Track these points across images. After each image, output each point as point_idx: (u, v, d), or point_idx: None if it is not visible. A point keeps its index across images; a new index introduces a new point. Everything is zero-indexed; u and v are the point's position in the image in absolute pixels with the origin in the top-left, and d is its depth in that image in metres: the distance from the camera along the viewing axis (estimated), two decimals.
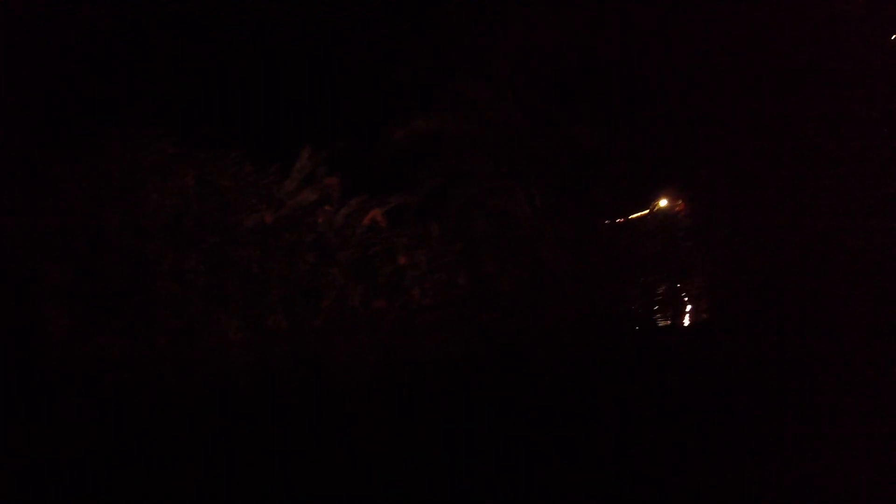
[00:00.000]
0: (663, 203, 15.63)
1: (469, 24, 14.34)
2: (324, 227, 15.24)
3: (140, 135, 11.18)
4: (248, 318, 13.13)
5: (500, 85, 15.03)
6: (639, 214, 15.88)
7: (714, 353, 6.28)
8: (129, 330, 10.28)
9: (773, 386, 4.91)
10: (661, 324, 12.02)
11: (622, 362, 6.82)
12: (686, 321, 9.90)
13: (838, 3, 13.15)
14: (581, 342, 8.62)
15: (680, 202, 15.38)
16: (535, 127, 15.44)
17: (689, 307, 12.99)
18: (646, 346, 7.52)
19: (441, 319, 14.71)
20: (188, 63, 13.72)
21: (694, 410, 4.60)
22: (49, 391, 8.34)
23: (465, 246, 15.97)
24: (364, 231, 15.58)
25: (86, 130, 10.46)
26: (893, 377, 4.54)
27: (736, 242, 13.20)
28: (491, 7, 14.28)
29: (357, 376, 9.62)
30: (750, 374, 5.24)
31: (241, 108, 14.78)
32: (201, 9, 14.36)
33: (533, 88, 14.93)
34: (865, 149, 12.26)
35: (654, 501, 3.50)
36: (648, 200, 15.75)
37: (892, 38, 12.34)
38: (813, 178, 12.43)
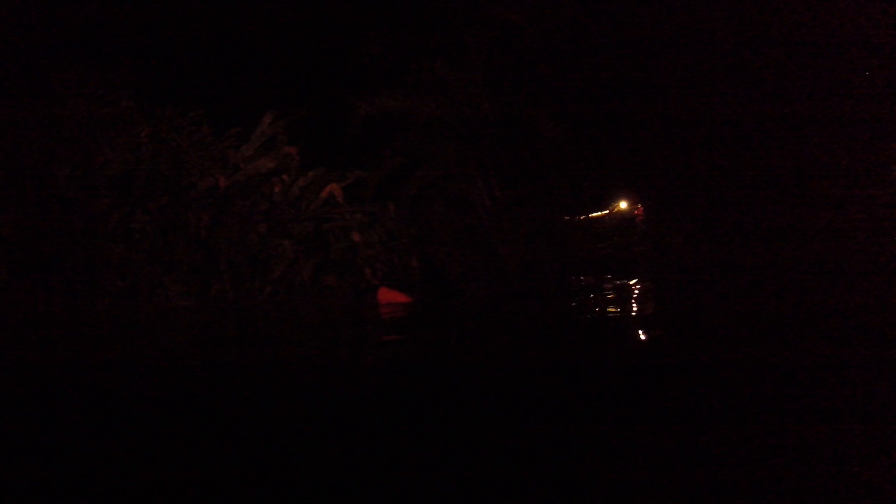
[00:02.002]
0: (623, 205, 15.76)
1: (446, 5, 14.11)
2: (279, 196, 14.82)
3: (97, 85, 10.59)
4: (194, 285, 12.70)
5: (472, 69, 14.87)
6: (597, 214, 15.99)
7: (657, 356, 6.29)
8: (70, 287, 9.77)
9: (713, 390, 4.89)
10: (607, 323, 12.08)
11: (559, 359, 6.75)
12: (633, 323, 9.92)
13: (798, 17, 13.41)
14: (522, 334, 8.57)
15: (639, 206, 15.54)
16: (502, 115, 15.35)
17: (635, 309, 13.14)
18: (588, 345, 7.48)
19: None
20: (156, 17, 13.09)
21: (636, 417, 4.53)
22: None
23: (421, 229, 15.82)
24: (320, 205, 15.21)
25: (43, 74, 9.85)
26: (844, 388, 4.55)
27: (690, 250, 13.43)
28: None
29: (303, 352, 9.39)
30: (690, 380, 5.22)
31: (204, 67, 14.21)
32: None
33: (503, 76, 14.83)
34: (825, 158, 12.61)
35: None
36: (608, 201, 15.87)
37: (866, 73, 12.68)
38: (774, 192, 12.73)
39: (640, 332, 7.90)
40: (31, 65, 10.08)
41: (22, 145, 9.60)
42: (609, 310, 8.88)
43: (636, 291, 11.01)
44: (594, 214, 16.03)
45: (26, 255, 9.51)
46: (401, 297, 11.14)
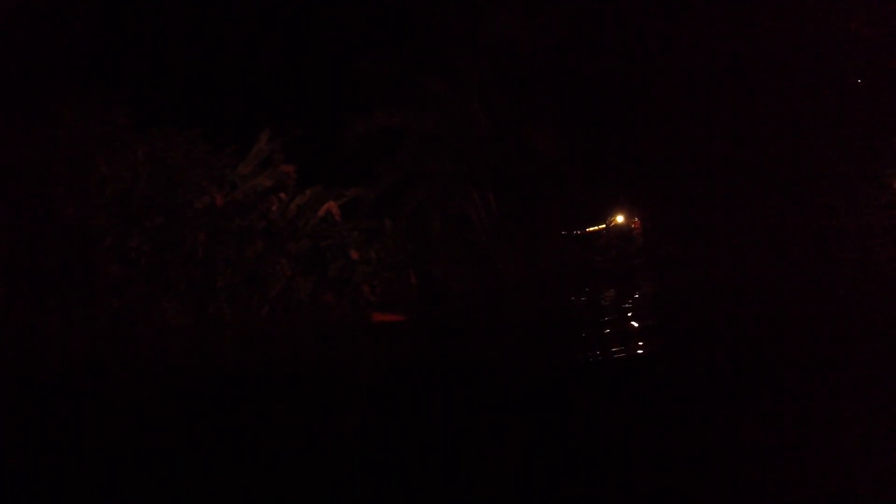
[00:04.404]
0: (620, 219, 15.76)
1: (441, 22, 14.23)
2: (276, 215, 14.81)
3: (93, 103, 10.62)
4: (191, 304, 12.65)
5: (467, 85, 14.96)
6: (595, 228, 16.00)
7: (657, 375, 6.24)
8: (66, 307, 9.74)
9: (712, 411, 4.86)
10: (606, 336, 12.05)
11: (558, 372, 6.73)
12: (633, 339, 9.88)
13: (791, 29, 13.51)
14: (520, 348, 8.56)
15: (636, 219, 15.54)
16: (498, 130, 15.44)
17: (635, 325, 13.07)
18: (588, 360, 7.45)
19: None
20: (152, 35, 13.17)
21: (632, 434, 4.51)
22: None
23: (418, 245, 15.80)
24: (317, 223, 15.18)
25: (38, 93, 9.89)
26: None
27: (689, 263, 13.42)
28: (464, 6, 14.21)
29: (301, 371, 9.34)
30: (686, 398, 5.19)
31: (200, 85, 14.27)
32: None
33: (499, 91, 14.92)
34: (822, 164, 12.66)
35: None
36: (605, 215, 15.88)
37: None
38: (771, 199, 12.77)
39: (641, 343, 7.84)
40: (26, 84, 10.11)
41: (17, 164, 9.63)
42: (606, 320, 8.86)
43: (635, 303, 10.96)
44: (591, 228, 16.05)
45: (22, 275, 9.49)
46: (396, 318, 11.20)
